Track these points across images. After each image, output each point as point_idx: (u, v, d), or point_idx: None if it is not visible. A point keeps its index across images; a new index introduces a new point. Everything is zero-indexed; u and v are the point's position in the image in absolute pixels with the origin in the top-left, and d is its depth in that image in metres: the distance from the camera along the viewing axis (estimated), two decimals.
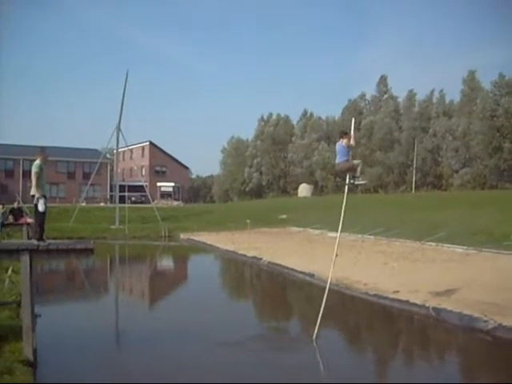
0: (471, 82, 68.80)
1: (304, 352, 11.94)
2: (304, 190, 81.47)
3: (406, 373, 11.01)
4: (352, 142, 12.24)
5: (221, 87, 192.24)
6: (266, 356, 11.40)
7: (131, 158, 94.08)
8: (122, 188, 51.72)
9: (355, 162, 12.66)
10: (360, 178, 12.84)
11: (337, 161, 12.48)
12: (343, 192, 12.97)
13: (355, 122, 13.37)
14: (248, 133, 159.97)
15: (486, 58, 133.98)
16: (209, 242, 36.28)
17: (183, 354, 11.52)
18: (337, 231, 13.11)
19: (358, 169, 12.60)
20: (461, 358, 12.33)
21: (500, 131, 59.63)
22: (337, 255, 13.40)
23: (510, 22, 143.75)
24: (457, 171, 66.12)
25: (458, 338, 13.18)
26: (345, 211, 13.26)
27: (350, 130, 12.67)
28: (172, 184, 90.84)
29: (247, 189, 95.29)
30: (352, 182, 12.81)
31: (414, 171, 69.92)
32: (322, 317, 12.52)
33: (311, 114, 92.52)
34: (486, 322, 12.78)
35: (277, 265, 24.72)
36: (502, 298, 14.51)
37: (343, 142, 12.17)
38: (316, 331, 12.39)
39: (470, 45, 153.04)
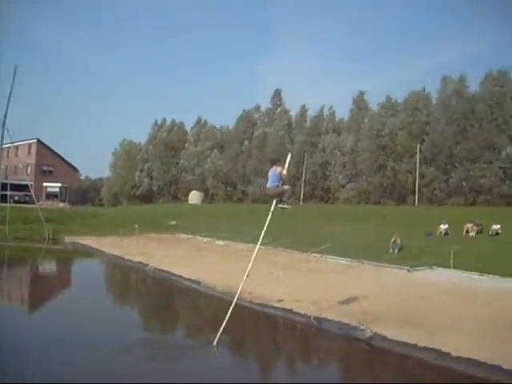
0: (360, 101, 71.86)
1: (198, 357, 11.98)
2: (195, 197, 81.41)
3: (288, 373, 11.35)
4: (285, 172, 13.08)
5: (114, 89, 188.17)
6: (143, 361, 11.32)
7: (16, 155, 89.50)
8: (4, 186, 49.08)
9: (285, 187, 13.41)
10: (285, 203, 13.67)
11: (268, 185, 13.27)
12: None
13: (291, 157, 14.21)
14: (141, 137, 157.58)
15: (373, 80, 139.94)
16: (95, 246, 35.34)
17: (64, 360, 11.18)
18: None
19: (286, 194, 13.50)
20: (336, 362, 12.84)
21: (385, 150, 62.58)
22: (248, 275, 13.52)
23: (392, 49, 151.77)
24: (343, 186, 68.62)
25: (336, 345, 13.64)
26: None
27: (285, 161, 13.53)
28: (59, 184, 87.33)
29: (137, 193, 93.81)
30: (281, 205, 13.55)
31: (303, 184, 71.75)
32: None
33: (205, 122, 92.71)
34: (363, 330, 13.35)
35: (163, 271, 24.50)
36: (381, 307, 15.21)
37: (277, 169, 13.07)
38: (218, 337, 12.50)
39: (358, 66, 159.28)
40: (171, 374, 11.04)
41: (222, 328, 12.76)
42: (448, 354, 11.28)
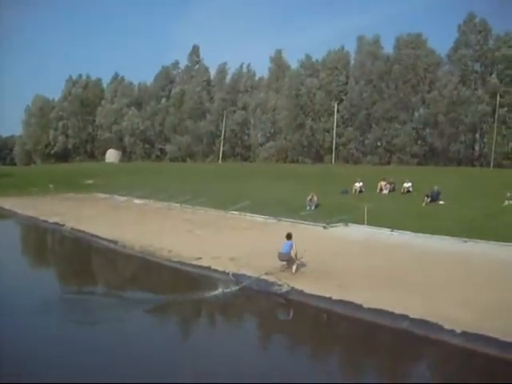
0: (278, 60, 71.72)
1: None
2: (112, 155, 79.72)
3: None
4: (295, 252, 15.08)
5: (27, 41, 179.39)
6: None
7: None
8: None
9: (292, 256, 15.05)
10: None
11: (281, 251, 15.05)
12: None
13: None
14: (55, 93, 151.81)
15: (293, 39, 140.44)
16: (7, 207, 34.23)
17: None
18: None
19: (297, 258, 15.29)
20: (255, 316, 13.23)
21: (303, 109, 63.08)
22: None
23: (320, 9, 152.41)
24: (262, 144, 68.89)
25: (255, 300, 13.92)
26: None
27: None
28: None
29: (52, 152, 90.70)
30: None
31: (222, 142, 71.57)
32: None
33: (122, 78, 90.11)
34: (280, 286, 13.67)
35: (80, 231, 24.08)
36: (297, 263, 15.58)
37: (291, 243, 15.09)
38: None
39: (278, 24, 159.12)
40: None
41: None
42: (360, 306, 11.77)
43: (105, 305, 13.26)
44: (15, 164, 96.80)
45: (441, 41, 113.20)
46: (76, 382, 8.55)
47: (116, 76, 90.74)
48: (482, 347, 9.62)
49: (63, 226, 25.75)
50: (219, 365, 9.50)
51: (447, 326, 10.26)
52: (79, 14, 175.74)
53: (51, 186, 42.46)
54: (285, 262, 15.07)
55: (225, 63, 78.98)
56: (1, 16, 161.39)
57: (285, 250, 14.99)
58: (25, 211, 31.57)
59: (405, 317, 10.94)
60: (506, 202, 25.36)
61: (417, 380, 9.53)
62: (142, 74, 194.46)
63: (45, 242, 26.10)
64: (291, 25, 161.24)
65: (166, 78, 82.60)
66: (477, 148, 54.75)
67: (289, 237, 15.27)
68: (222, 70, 78.52)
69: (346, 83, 61.29)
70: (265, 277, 14.32)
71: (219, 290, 13.81)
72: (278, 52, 72.26)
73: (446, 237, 19.75)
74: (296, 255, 15.09)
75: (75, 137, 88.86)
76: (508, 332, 9.71)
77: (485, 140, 52.75)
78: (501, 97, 48.63)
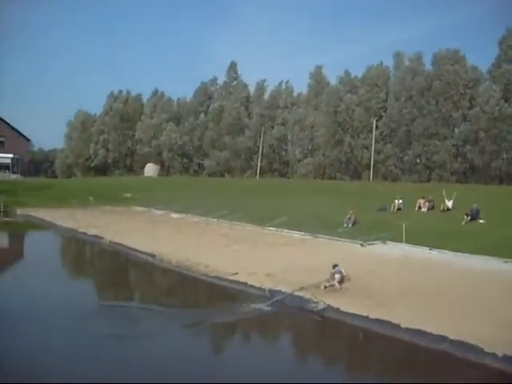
0: (318, 75, 71.69)
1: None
2: (150, 169, 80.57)
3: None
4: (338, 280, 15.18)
5: (69, 58, 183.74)
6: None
7: None
8: None
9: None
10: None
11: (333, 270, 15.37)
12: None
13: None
14: (96, 108, 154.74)
15: (332, 54, 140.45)
16: (48, 219, 34.77)
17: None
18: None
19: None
20: (290, 333, 13.15)
21: (342, 125, 62.87)
22: None
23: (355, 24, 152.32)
24: (300, 160, 68.80)
25: (290, 317, 13.83)
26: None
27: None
28: (10, 156, 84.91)
29: (92, 165, 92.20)
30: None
31: (260, 157, 71.74)
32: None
33: (162, 94, 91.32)
34: (316, 303, 13.57)
35: (118, 244, 24.34)
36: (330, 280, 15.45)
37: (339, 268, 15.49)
38: None
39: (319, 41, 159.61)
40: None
41: None
42: (398, 326, 11.58)
43: (140, 317, 13.36)
44: (56, 177, 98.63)
45: (479, 57, 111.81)
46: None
47: (156, 91, 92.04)
48: None
49: (102, 238, 26.06)
50: (255, 379, 9.47)
51: (487, 349, 10.01)
52: (119, 30, 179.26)
53: (91, 198, 43.13)
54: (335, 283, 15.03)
55: (264, 80, 79.38)
56: (46, 37, 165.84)
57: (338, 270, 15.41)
58: (65, 223, 32.06)
59: (443, 338, 10.72)
60: None
61: None
62: (181, 89, 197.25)
63: (84, 254, 26.49)
64: (330, 40, 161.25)
65: (205, 93, 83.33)
66: None
67: (335, 266, 15.60)
68: (260, 87, 78.91)
69: (386, 100, 60.87)
70: (300, 293, 14.23)
71: (255, 306, 13.78)
72: (318, 68, 72.19)
73: (486, 257, 19.36)
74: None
75: (115, 151, 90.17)
76: None
77: None
78: None
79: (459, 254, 20.27)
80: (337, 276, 15.01)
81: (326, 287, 14.78)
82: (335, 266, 15.52)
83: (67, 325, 12.11)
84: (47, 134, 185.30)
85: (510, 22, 64.17)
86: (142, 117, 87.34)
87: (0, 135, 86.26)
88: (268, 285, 15.32)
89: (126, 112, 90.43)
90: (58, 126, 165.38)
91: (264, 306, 13.84)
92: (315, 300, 13.69)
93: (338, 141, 62.49)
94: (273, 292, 14.71)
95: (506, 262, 18.62)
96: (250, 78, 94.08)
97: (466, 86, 54.27)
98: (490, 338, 10.36)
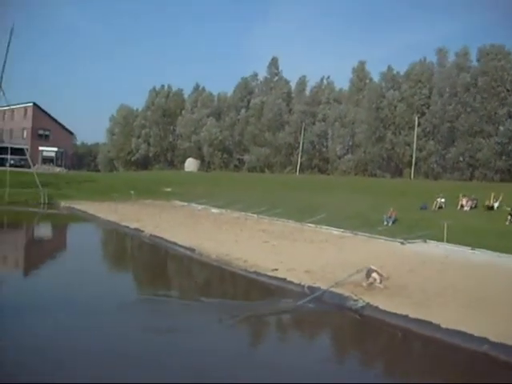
0: (361, 72, 71.11)
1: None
2: (191, 164, 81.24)
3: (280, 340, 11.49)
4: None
5: (113, 54, 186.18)
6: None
7: (12, 118, 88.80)
8: (3, 150, 48.53)
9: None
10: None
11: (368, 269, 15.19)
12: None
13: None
14: (138, 103, 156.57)
15: (375, 50, 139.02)
16: (90, 212, 35.36)
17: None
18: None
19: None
20: (328, 330, 13.21)
21: (383, 122, 62.33)
22: None
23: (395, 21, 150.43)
24: (341, 157, 68.48)
25: (329, 314, 13.78)
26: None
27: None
28: (55, 149, 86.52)
29: (133, 159, 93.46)
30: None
31: (300, 153, 71.63)
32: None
33: (203, 89, 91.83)
34: (355, 301, 13.49)
35: (159, 238, 24.60)
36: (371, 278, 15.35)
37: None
38: None
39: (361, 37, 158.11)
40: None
41: None
42: (438, 326, 11.44)
43: (179, 310, 13.53)
44: (99, 170, 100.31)
45: None
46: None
47: (197, 87, 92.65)
48: None
49: (143, 232, 26.39)
50: (290, 376, 9.49)
51: None
52: (162, 25, 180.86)
53: (132, 192, 43.71)
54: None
55: (304, 76, 79.18)
56: (89, 31, 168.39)
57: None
58: (107, 216, 32.55)
59: (484, 340, 10.54)
60: None
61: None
62: (222, 85, 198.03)
63: (125, 247, 26.85)
64: (371, 36, 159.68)
65: (245, 89, 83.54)
66: None
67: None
68: (301, 82, 78.76)
69: (429, 96, 60.03)
70: (340, 291, 14.17)
71: (293, 303, 13.78)
72: (361, 64, 71.68)
73: None
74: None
75: (156, 145, 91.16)
76: None
77: None
78: None
79: (503, 254, 19.89)
80: (374, 275, 14.87)
81: (367, 285, 14.69)
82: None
83: (106, 317, 12.34)
84: (90, 128, 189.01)
85: None
86: (183, 112, 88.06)
87: (45, 129, 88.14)
88: (307, 281, 15.29)
89: (167, 107, 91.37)
90: (102, 121, 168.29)
91: (302, 303, 13.84)
92: (355, 298, 13.62)
93: (379, 137, 62.04)
94: (312, 288, 14.67)
95: None
96: (291, 74, 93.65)
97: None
98: None
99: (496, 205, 30.30)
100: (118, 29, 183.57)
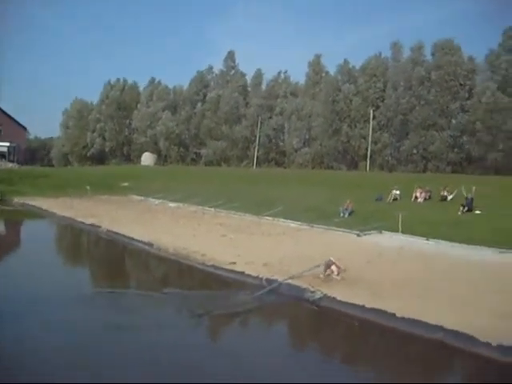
0: (316, 65, 71.38)
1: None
2: (147, 158, 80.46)
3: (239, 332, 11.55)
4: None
5: (66, 47, 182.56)
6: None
7: None
8: None
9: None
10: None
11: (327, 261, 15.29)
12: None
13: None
14: (92, 97, 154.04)
15: (332, 45, 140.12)
16: (45, 208, 34.78)
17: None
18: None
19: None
20: (285, 321, 13.40)
21: (339, 115, 62.83)
22: None
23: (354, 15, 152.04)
24: (297, 150, 68.77)
25: (286, 306, 13.89)
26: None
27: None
28: (7, 144, 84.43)
29: (89, 154, 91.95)
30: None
31: (257, 147, 71.68)
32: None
33: (159, 82, 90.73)
34: (312, 292, 13.64)
35: (116, 233, 24.38)
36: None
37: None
38: None
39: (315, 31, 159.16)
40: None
41: None
42: (393, 315, 11.66)
43: (135, 303, 13.52)
44: (53, 165, 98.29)
45: (474, 47, 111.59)
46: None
47: (152, 80, 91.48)
48: None
49: (99, 227, 26.10)
50: (249, 364, 9.63)
51: (483, 339, 10.09)
52: (116, 17, 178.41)
53: (88, 187, 43.12)
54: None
55: (260, 69, 79.07)
56: (41, 24, 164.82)
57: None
58: (62, 212, 32.06)
59: (439, 328, 10.80)
60: None
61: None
62: (178, 78, 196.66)
63: (81, 243, 26.51)
64: (328, 31, 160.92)
65: (201, 82, 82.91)
66: None
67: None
68: (257, 76, 78.63)
69: (384, 89, 60.81)
70: (297, 283, 14.30)
71: (251, 295, 13.85)
72: (317, 57, 71.84)
73: (482, 247, 19.48)
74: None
75: (112, 139, 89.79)
76: None
77: None
78: None
79: (455, 244, 20.37)
80: (333, 267, 15.05)
81: (325, 277, 14.86)
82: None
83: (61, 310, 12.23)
84: (44, 122, 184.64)
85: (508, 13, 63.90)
86: (139, 105, 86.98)
87: None
88: (265, 274, 15.39)
89: (122, 100, 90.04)
90: (56, 115, 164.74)
91: (259, 294, 13.91)
92: (312, 289, 13.76)
93: (335, 130, 62.52)
94: (270, 281, 14.77)
95: (501, 252, 18.74)
96: (248, 68, 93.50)
97: (465, 76, 54.32)
98: (486, 329, 10.44)
99: (450, 197, 30.90)
100: (69, 21, 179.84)
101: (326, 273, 14.94)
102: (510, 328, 10.56)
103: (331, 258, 15.32)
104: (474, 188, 28.34)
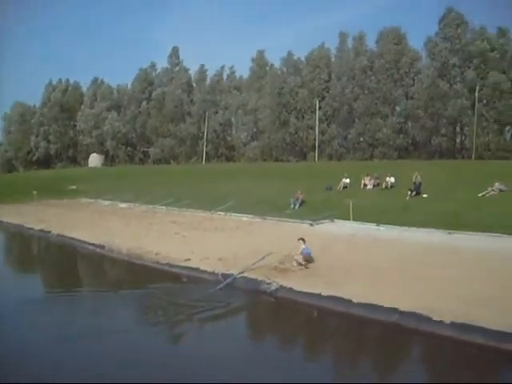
0: (260, 60, 71.52)
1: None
2: (94, 159, 79.28)
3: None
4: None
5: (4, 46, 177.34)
6: None
7: None
8: None
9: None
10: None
11: (304, 251, 15.56)
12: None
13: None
14: (34, 100, 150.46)
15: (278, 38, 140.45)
16: None
17: None
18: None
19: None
20: (244, 314, 13.47)
21: (286, 107, 63.17)
22: None
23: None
24: (246, 144, 68.91)
25: (244, 299, 13.91)
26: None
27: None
28: None
29: (34, 158, 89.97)
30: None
31: (205, 143, 71.45)
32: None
33: (102, 82, 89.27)
34: (268, 284, 13.72)
35: (67, 237, 23.97)
36: (285, 261, 15.66)
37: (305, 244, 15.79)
38: None
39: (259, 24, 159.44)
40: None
41: None
42: (350, 301, 11.84)
43: (88, 303, 13.41)
44: None
45: (416, 35, 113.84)
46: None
47: (95, 80, 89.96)
48: (473, 337, 9.74)
49: (49, 232, 25.60)
50: (212, 363, 9.56)
51: (436, 318, 10.36)
52: (55, 18, 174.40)
53: (35, 192, 42.15)
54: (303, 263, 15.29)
55: (203, 65, 78.69)
56: None
57: (306, 252, 15.65)
58: (9, 219, 31.32)
59: (395, 310, 11.02)
60: (490, 190, 25.68)
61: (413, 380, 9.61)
62: (121, 76, 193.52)
63: (31, 249, 25.95)
64: (272, 24, 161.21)
65: (145, 80, 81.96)
66: (458, 140, 55.01)
67: (304, 240, 15.87)
68: (201, 72, 78.24)
69: (329, 80, 61.43)
70: (253, 276, 14.36)
71: (207, 291, 13.84)
72: (260, 52, 72.02)
73: (431, 229, 19.98)
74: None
75: (57, 142, 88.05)
76: (494, 321, 9.82)
77: (465, 132, 53.00)
78: (479, 91, 48.82)
79: (406, 228, 20.84)
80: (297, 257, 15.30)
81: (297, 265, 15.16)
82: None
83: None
84: None
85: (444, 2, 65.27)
86: (82, 106, 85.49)
87: None
88: (221, 269, 15.39)
89: (65, 102, 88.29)
90: None
91: (216, 289, 13.92)
92: (268, 281, 13.84)
93: (283, 122, 62.85)
94: (226, 276, 14.78)
95: (449, 233, 19.28)
96: (193, 65, 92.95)
97: (409, 64, 55.39)
98: (439, 309, 10.70)
99: (392, 180, 31.17)
100: (7, 19, 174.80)
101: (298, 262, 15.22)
102: (460, 307, 10.85)
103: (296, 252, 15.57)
104: (416, 173, 28.89)
